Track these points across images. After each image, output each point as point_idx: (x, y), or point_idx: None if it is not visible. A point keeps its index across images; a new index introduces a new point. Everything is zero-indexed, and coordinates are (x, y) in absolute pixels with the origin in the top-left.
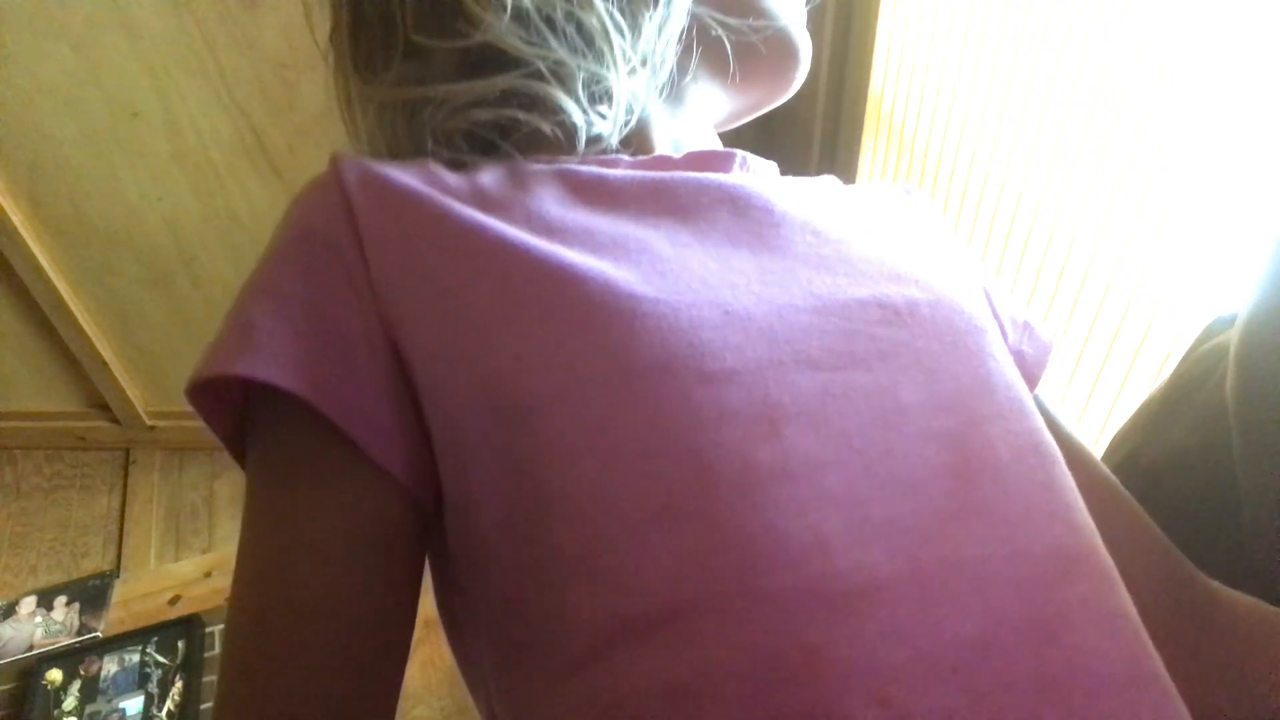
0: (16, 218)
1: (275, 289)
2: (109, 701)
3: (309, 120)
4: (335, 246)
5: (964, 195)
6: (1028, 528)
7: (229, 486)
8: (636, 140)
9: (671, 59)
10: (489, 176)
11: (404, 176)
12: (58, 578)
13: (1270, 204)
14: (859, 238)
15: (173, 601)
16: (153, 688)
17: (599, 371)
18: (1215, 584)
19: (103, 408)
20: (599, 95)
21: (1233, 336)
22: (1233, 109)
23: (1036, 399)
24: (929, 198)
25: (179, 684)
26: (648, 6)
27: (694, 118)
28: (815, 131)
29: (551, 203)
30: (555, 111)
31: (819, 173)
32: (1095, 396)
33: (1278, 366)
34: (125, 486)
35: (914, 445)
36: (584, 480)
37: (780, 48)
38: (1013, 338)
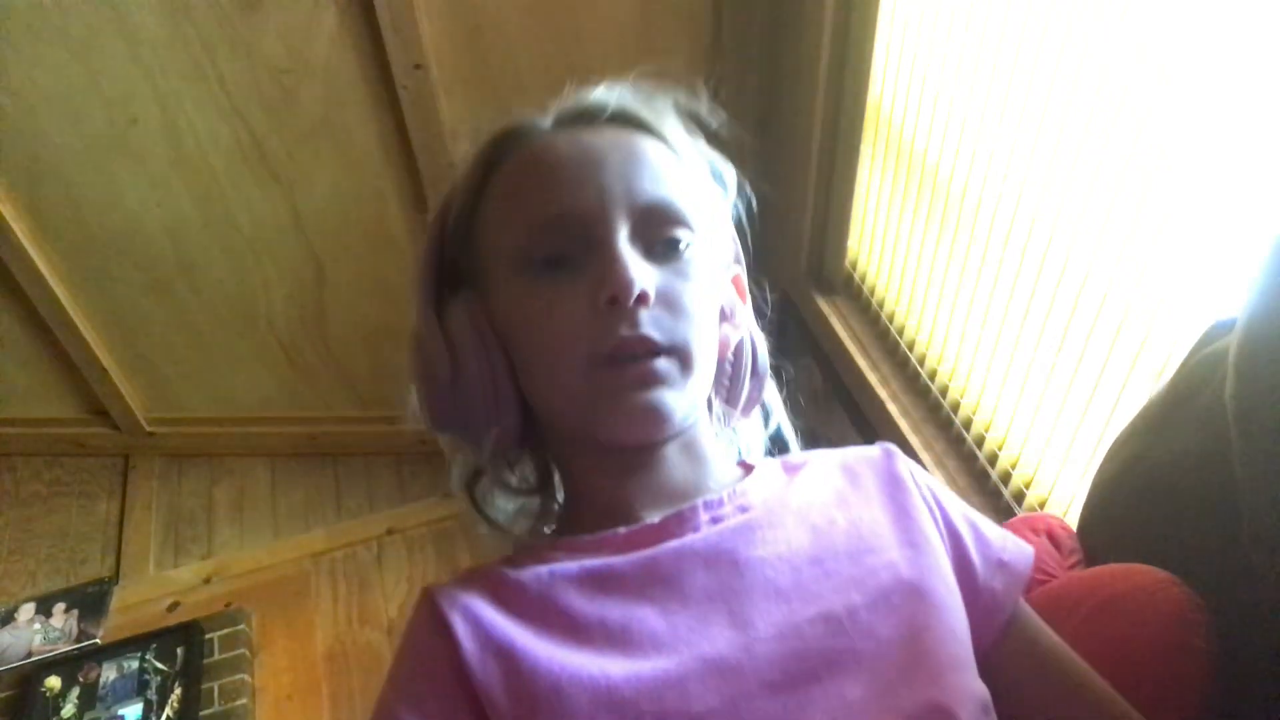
0: (16, 224)
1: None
2: (108, 708)
3: (308, 126)
4: (446, 678)
5: (963, 199)
6: None
7: (228, 493)
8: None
9: None
10: (532, 579)
11: (490, 613)
12: (56, 584)
13: (1269, 209)
14: (814, 548)
15: (171, 608)
16: (151, 694)
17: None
18: None
19: (102, 414)
20: None
21: (1232, 341)
22: (1232, 113)
23: (1020, 623)
24: (904, 460)
25: (178, 690)
26: None
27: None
28: (814, 136)
29: (577, 601)
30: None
31: (819, 178)
32: (1095, 401)
33: (1277, 371)
34: (124, 493)
35: None
36: None
37: None
38: (984, 576)
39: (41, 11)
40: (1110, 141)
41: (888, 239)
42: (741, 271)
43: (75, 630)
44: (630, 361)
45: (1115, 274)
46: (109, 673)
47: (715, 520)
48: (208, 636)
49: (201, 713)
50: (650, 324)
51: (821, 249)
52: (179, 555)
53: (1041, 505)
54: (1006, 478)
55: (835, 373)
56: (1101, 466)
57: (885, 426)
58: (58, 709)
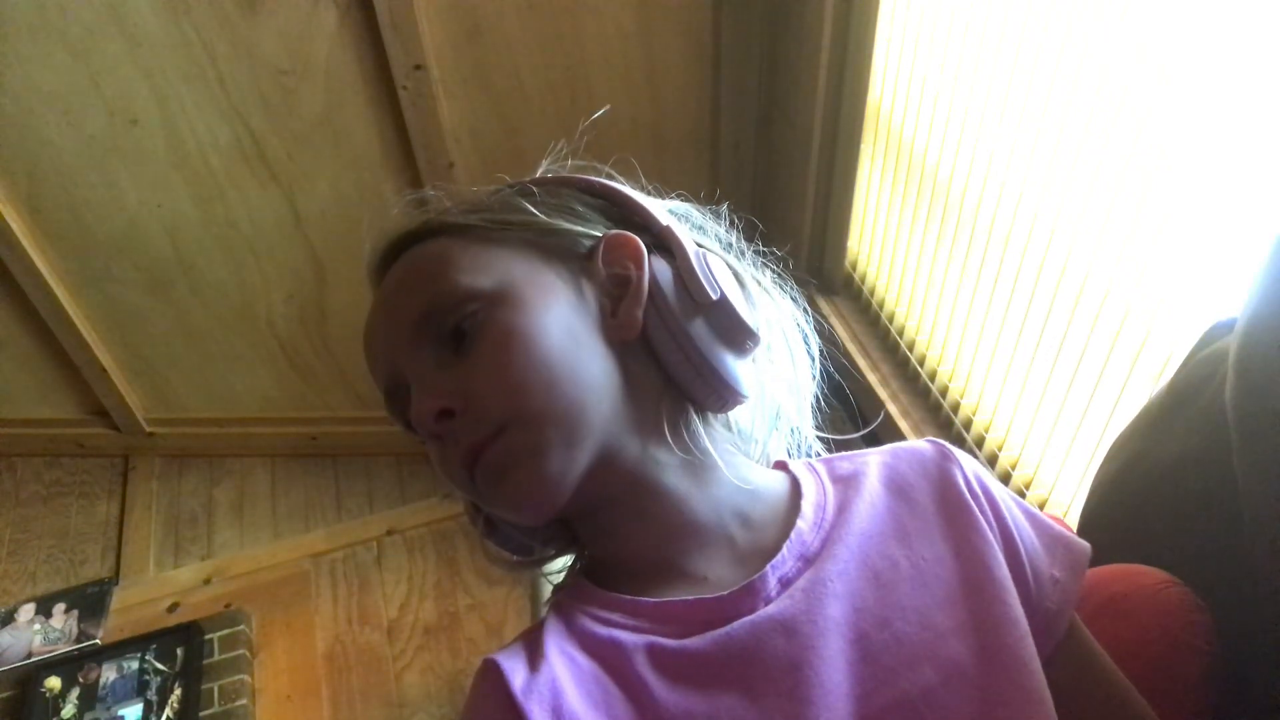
0: (16, 225)
1: None
2: (108, 709)
3: (308, 127)
4: None
5: (962, 199)
6: None
7: (228, 493)
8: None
9: None
10: (603, 653)
11: (568, 702)
12: (56, 585)
13: (1269, 209)
14: (880, 606)
15: (171, 609)
16: (151, 695)
17: None
18: None
19: (102, 414)
20: None
21: (1232, 341)
22: (1232, 114)
23: (1072, 643)
24: (959, 464)
25: (178, 691)
26: None
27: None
28: (814, 137)
29: (657, 688)
30: None
31: (819, 178)
32: (1095, 401)
33: (1276, 371)
34: (124, 493)
35: None
36: None
37: None
38: (1038, 597)
39: (42, 12)
40: (1110, 141)
41: (888, 239)
42: (627, 237)
43: (75, 631)
44: (476, 467)
45: (1115, 274)
46: (109, 673)
47: (784, 582)
48: (208, 637)
49: (201, 713)
50: (468, 430)
51: (821, 249)
52: (179, 556)
53: (1041, 505)
54: (1006, 478)
55: (835, 373)
56: (1101, 466)
57: (885, 426)
58: (58, 709)
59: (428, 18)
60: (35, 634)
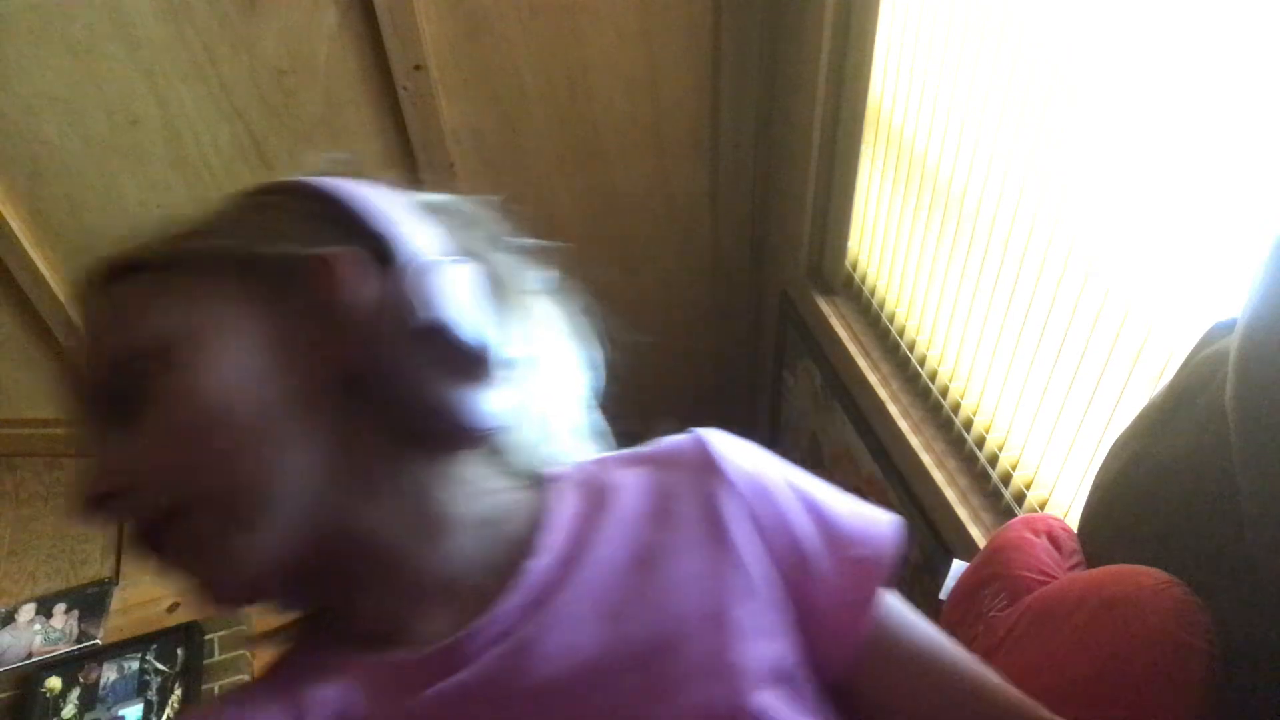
0: (16, 225)
1: None
2: (108, 709)
3: (308, 126)
4: None
5: (963, 200)
6: None
7: None
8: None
9: None
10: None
11: None
12: (57, 585)
13: (1270, 210)
14: (605, 655)
15: (171, 609)
16: (152, 695)
17: None
18: None
19: None
20: None
21: (1232, 342)
22: (1233, 114)
23: (882, 631)
24: (722, 468)
25: (178, 691)
26: None
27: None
28: (814, 137)
29: None
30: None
31: (819, 178)
32: (1096, 402)
33: (1277, 372)
34: None
35: None
36: None
37: None
38: (837, 581)
39: (42, 13)
40: (1111, 142)
41: (888, 239)
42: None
43: (76, 631)
44: (153, 551)
45: (1116, 275)
46: (109, 673)
47: (499, 637)
48: (208, 637)
49: None
50: (139, 510)
51: (822, 249)
52: None
53: (1042, 506)
54: (1007, 479)
55: (835, 373)
56: (1102, 467)
57: (885, 427)
58: (58, 709)
59: (428, 18)
60: (36, 634)
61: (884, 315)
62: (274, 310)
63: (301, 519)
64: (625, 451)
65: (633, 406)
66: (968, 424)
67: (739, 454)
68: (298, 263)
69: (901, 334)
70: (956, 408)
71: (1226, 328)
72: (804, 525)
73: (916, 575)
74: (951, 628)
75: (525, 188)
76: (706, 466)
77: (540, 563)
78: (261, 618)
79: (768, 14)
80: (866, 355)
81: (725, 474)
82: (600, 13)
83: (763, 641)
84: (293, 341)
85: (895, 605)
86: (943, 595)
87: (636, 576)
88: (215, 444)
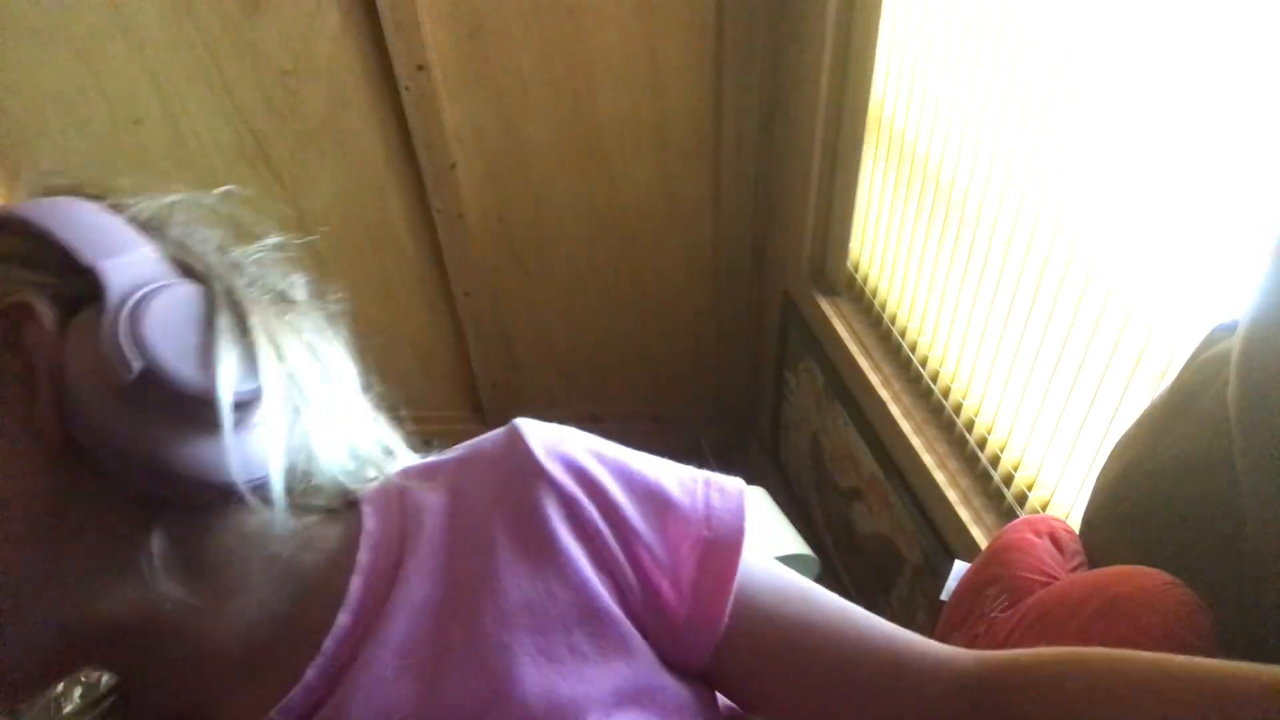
0: None
1: None
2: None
3: (311, 127)
4: None
5: (964, 201)
6: None
7: None
8: None
9: None
10: None
11: None
12: None
13: (1271, 211)
14: (428, 709)
15: None
16: None
17: None
18: None
19: None
20: None
21: (1234, 344)
22: (1234, 115)
23: (740, 618)
24: (540, 468)
25: None
26: None
27: None
28: (816, 138)
29: None
30: None
31: (821, 179)
32: (1098, 404)
33: (1278, 373)
34: None
35: None
36: None
37: None
38: (684, 568)
39: (45, 13)
40: (1112, 143)
41: (890, 240)
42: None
43: None
44: None
45: (1118, 276)
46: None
47: (309, 714)
48: None
49: None
50: None
51: (823, 250)
52: None
53: (1044, 507)
54: (1009, 480)
55: (837, 374)
56: (1104, 469)
57: (887, 428)
58: (59, 709)
59: (430, 18)
60: None
61: (886, 316)
62: None
63: (40, 616)
64: (431, 460)
65: (633, 407)
66: (969, 425)
67: (556, 445)
68: None
69: (903, 335)
70: (958, 409)
71: (1229, 329)
72: (636, 516)
73: (918, 576)
74: (953, 628)
75: (527, 188)
76: (521, 467)
77: (344, 618)
78: None
79: (770, 15)
80: (868, 356)
81: (544, 471)
82: (603, 14)
83: (603, 665)
84: (12, 402)
85: (756, 575)
86: (944, 596)
87: (449, 621)
88: None
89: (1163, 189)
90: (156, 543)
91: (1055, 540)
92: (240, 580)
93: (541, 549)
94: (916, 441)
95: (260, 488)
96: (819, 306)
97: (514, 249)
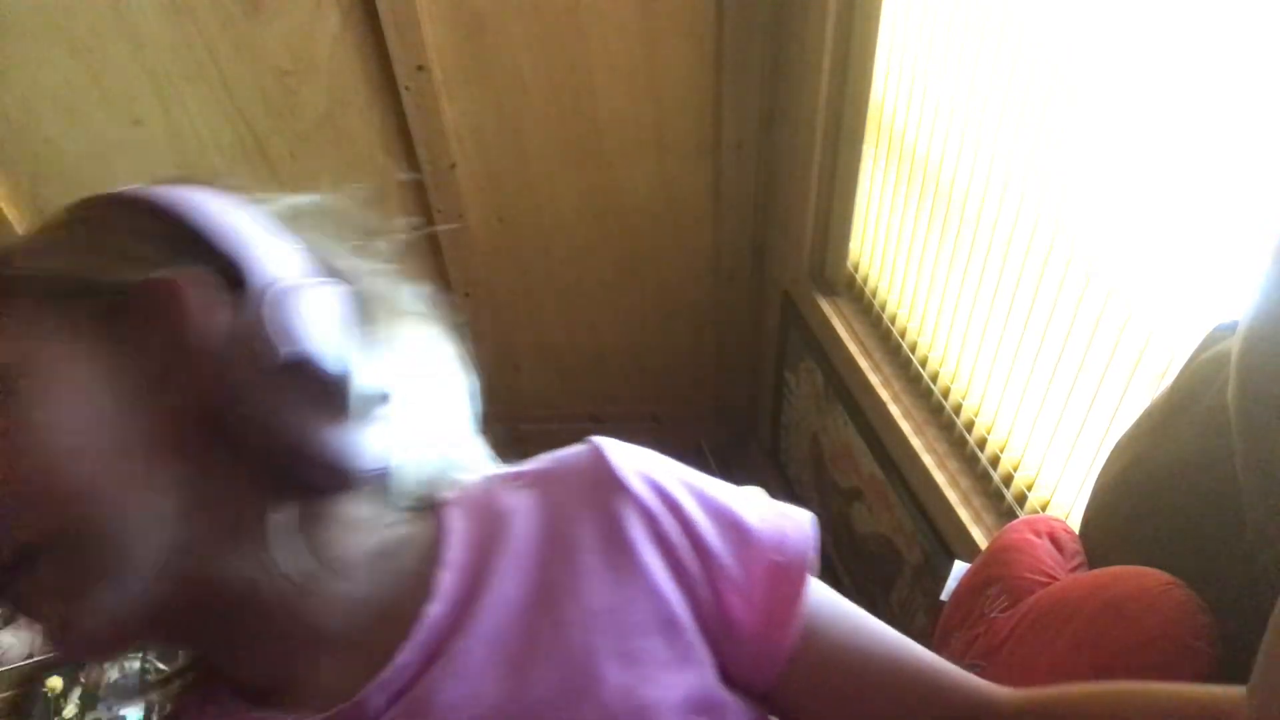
0: (19, 225)
1: None
2: (109, 709)
3: (311, 127)
4: None
5: (965, 201)
6: None
7: None
8: None
9: None
10: None
11: None
12: None
13: (1271, 211)
14: (508, 705)
15: None
16: (153, 695)
17: None
18: None
19: None
20: None
21: (1234, 344)
22: (1235, 115)
23: (810, 638)
24: (626, 486)
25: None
26: None
27: None
28: (816, 138)
29: None
30: None
31: (821, 179)
32: (1098, 404)
33: (1278, 374)
34: None
35: None
36: None
37: None
38: (754, 591)
39: (45, 13)
40: (1112, 144)
41: (890, 240)
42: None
43: None
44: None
45: (1118, 277)
46: (110, 673)
47: (400, 693)
48: None
49: None
50: None
51: (823, 250)
52: None
53: (1044, 508)
54: (1009, 480)
55: (837, 374)
56: (1104, 469)
57: (887, 428)
58: (59, 709)
59: (430, 18)
60: (37, 634)
61: (886, 316)
62: (112, 343)
63: (159, 570)
64: (516, 469)
65: (633, 407)
66: (969, 425)
67: (638, 463)
68: (136, 290)
69: (903, 335)
70: (958, 409)
71: (1228, 329)
72: (713, 536)
73: (918, 576)
74: (953, 629)
75: (527, 188)
76: (605, 480)
77: (436, 608)
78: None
79: (770, 14)
80: (868, 356)
81: (626, 487)
82: (602, 13)
83: (677, 672)
84: (136, 377)
85: (820, 602)
86: (944, 596)
87: (537, 617)
88: (57, 489)
89: (1162, 189)
90: (279, 519)
91: (1055, 540)
92: (343, 566)
93: (622, 558)
94: (916, 442)
95: (378, 478)
96: (819, 307)
97: (514, 249)
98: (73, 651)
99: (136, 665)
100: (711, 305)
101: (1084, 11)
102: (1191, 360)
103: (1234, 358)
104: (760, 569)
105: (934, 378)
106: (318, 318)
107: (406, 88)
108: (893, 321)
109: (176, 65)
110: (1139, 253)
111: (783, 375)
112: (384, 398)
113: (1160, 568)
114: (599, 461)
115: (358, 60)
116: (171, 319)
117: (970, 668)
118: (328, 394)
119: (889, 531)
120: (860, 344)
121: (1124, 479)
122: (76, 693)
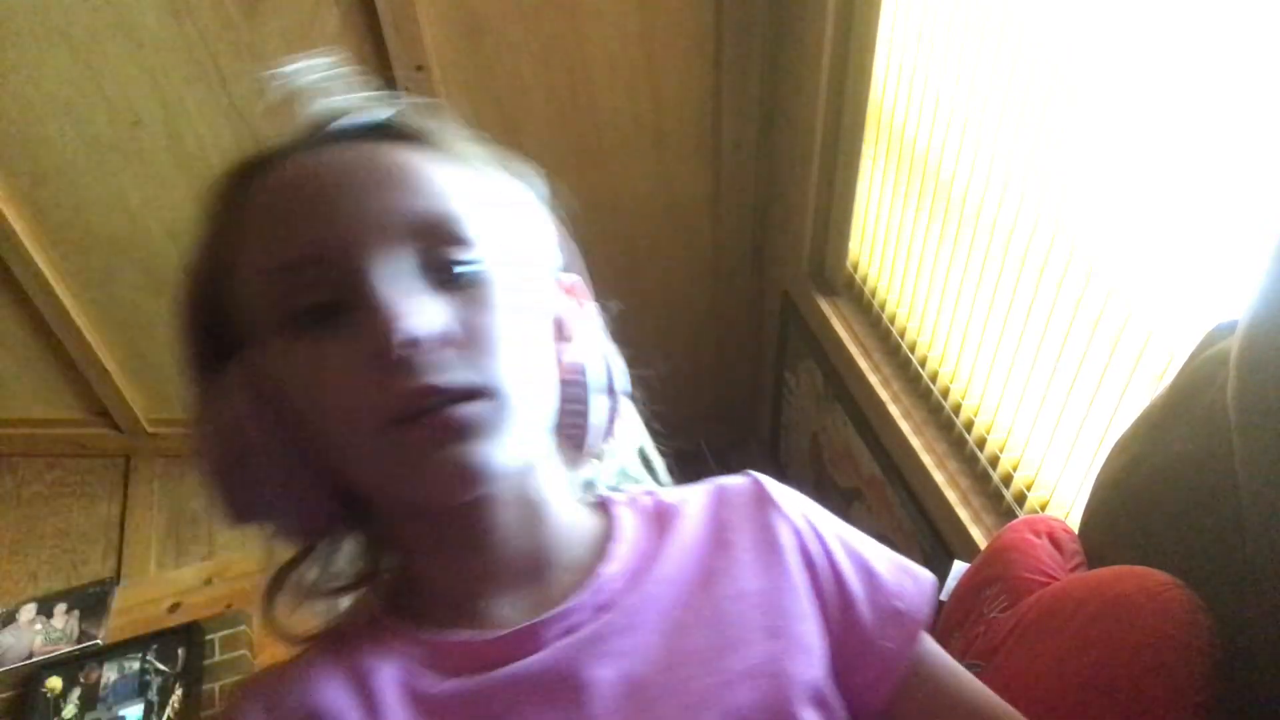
0: (19, 225)
1: None
2: (109, 709)
3: None
4: None
5: (964, 201)
6: None
7: None
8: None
9: None
10: (346, 699)
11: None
12: (58, 585)
13: (1271, 211)
14: (668, 656)
15: (173, 609)
16: (153, 695)
17: None
18: None
19: (103, 415)
20: None
21: (1234, 343)
22: (1235, 116)
23: (921, 672)
24: (779, 504)
25: (179, 691)
26: None
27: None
28: (816, 138)
29: None
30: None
31: (820, 179)
32: (1097, 403)
33: (1278, 373)
34: (125, 494)
35: None
36: None
37: None
38: (876, 632)
39: (44, 13)
40: (1112, 143)
41: (889, 240)
42: (578, 280)
43: (76, 631)
44: (424, 415)
45: (1117, 276)
46: (110, 673)
47: (568, 630)
48: (209, 637)
49: (203, 714)
50: (438, 370)
51: (823, 250)
52: (180, 556)
53: (1043, 507)
54: (1008, 480)
55: (836, 374)
56: (1103, 468)
57: (887, 428)
58: (59, 709)
59: (429, 18)
60: (37, 634)
61: (885, 316)
62: (547, 288)
63: (533, 452)
64: (679, 487)
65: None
66: (969, 425)
67: (791, 494)
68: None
69: (903, 335)
70: (958, 409)
71: (1228, 329)
72: (849, 571)
73: None
74: (952, 629)
75: None
76: (762, 499)
77: (611, 569)
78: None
79: (769, 14)
80: (868, 356)
81: (782, 510)
82: (602, 13)
83: (811, 661)
84: (553, 322)
85: (933, 653)
86: (943, 596)
87: (697, 591)
88: (528, 358)
89: (1162, 189)
90: (549, 456)
91: (1054, 540)
92: (554, 515)
93: (773, 558)
94: (916, 441)
95: (603, 454)
96: (818, 306)
97: None
98: (459, 484)
99: (136, 666)
100: (711, 305)
101: (1084, 11)
102: (1191, 360)
103: (1233, 357)
104: (882, 609)
105: (933, 378)
106: (600, 332)
107: (406, 88)
108: (892, 321)
109: (176, 66)
110: (1139, 252)
111: (782, 375)
112: (628, 393)
113: (1160, 568)
114: (759, 489)
115: (357, 60)
116: (579, 296)
117: (970, 667)
118: (611, 386)
119: (889, 531)
120: (860, 344)
121: (1123, 479)
122: (76, 693)
